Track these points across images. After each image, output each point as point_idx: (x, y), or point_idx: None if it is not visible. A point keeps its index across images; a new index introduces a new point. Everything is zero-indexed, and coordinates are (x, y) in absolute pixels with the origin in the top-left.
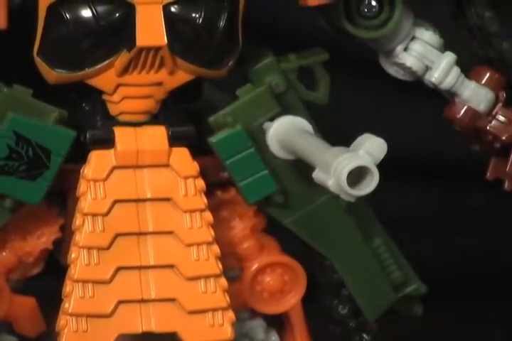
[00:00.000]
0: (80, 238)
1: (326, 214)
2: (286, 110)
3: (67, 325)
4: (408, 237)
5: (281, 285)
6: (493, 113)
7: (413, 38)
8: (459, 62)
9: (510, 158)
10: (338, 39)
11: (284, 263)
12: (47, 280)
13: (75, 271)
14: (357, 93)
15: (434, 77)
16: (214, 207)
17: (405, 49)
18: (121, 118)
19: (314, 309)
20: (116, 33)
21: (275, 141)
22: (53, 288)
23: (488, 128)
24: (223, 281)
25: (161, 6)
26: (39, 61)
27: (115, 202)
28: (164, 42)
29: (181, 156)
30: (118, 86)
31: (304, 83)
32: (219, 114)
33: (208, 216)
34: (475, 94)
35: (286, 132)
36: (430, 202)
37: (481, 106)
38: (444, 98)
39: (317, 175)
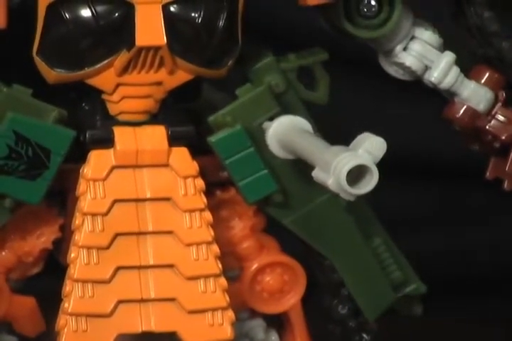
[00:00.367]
0: (79, 238)
1: (325, 213)
2: (285, 110)
3: (66, 324)
4: (408, 237)
5: (281, 284)
6: (493, 112)
7: (412, 38)
8: (458, 62)
9: (509, 158)
10: (338, 39)
11: (284, 263)
12: (46, 280)
13: (74, 271)
14: (357, 93)
15: (433, 76)
16: (214, 207)
17: (405, 48)
18: (121, 117)
19: (314, 309)
20: (115, 32)
21: (275, 141)
22: (53, 288)
23: (487, 127)
24: (223, 281)
25: (161, 6)
26: (38, 61)
27: (115, 201)
28: (164, 42)
29: (181, 156)
30: (117, 85)
31: (304, 83)
32: (218, 114)
33: (208, 216)
34: (474, 94)
35: (286, 132)
36: (430, 201)
37: (481, 106)
38: (443, 98)
39: (317, 174)
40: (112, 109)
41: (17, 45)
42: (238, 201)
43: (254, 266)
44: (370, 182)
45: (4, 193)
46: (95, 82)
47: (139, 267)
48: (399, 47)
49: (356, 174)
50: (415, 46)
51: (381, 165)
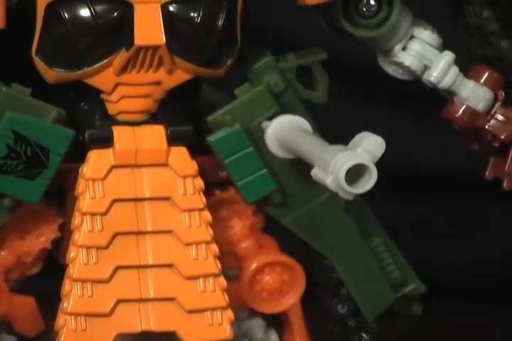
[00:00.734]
0: (78, 237)
1: (324, 213)
2: (284, 109)
3: (66, 324)
4: (408, 236)
5: (280, 284)
6: (492, 112)
7: (412, 37)
8: (457, 62)
9: (509, 158)
10: (338, 39)
11: (283, 263)
12: (46, 280)
13: (73, 271)
14: (357, 92)
15: (432, 76)
16: (213, 207)
17: (404, 48)
18: (120, 117)
19: (313, 308)
20: (114, 32)
21: (274, 140)
22: (52, 288)
23: (487, 127)
24: (222, 280)
25: (160, 5)
26: (37, 60)
27: (114, 201)
28: (162, 42)
29: (180, 155)
30: (116, 85)
31: (303, 82)
32: (217, 113)
33: (207, 215)
34: (474, 94)
35: (285, 131)
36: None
37: (480, 106)
38: (443, 97)
39: (316, 173)
40: (111, 109)
41: (16, 44)
42: (237, 200)
43: (254, 266)
44: (368, 181)
45: (3, 193)
46: (94, 81)
47: (138, 267)
48: (398, 47)
49: (355, 173)
50: (414, 46)
51: (380, 166)
